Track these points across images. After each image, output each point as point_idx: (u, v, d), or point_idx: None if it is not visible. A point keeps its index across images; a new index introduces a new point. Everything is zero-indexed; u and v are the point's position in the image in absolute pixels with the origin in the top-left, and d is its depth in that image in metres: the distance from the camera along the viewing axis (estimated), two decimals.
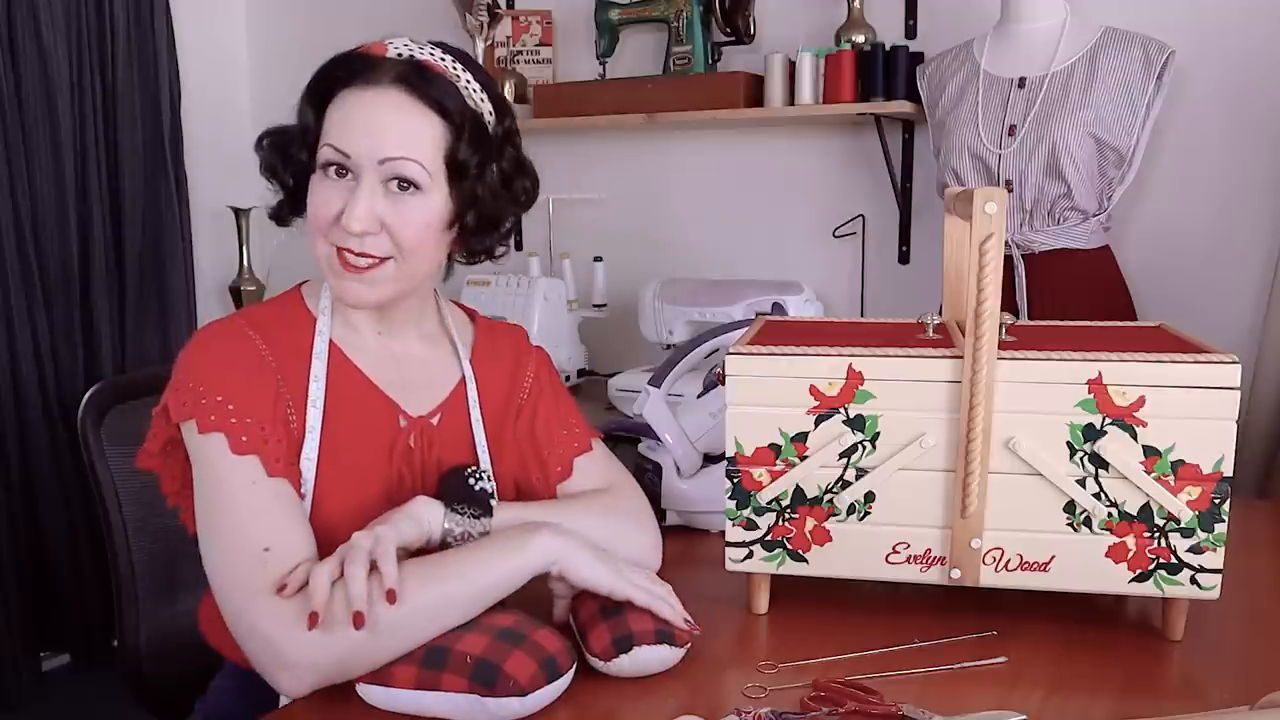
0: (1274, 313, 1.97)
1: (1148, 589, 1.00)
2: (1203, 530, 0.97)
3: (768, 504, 1.05)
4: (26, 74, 2.48)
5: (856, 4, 2.30)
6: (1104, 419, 0.97)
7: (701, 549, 1.32)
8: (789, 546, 1.06)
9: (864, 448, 1.02)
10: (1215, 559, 0.98)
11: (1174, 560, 0.99)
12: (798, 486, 1.04)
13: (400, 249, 0.99)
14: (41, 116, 2.52)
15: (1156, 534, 0.98)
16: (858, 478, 1.03)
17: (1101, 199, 1.94)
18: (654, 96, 2.42)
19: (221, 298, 3.08)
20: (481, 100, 1.03)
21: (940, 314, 1.20)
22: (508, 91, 2.50)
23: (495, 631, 0.89)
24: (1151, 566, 0.99)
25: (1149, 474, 0.97)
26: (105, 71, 2.66)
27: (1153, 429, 0.97)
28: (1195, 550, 0.98)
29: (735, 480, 1.06)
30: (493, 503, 1.00)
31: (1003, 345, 0.99)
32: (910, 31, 2.34)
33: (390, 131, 0.97)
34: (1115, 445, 0.97)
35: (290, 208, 1.07)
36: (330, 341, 1.05)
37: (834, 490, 1.04)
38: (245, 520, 0.93)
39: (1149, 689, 0.94)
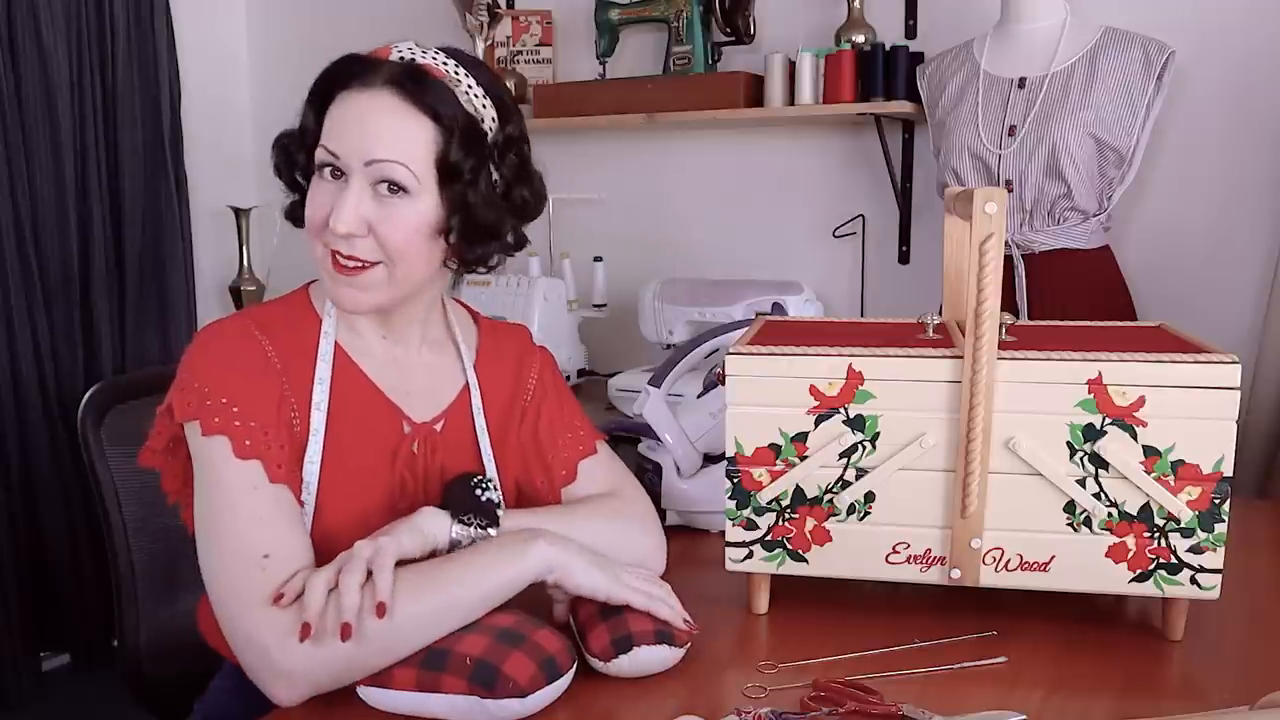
0: (1274, 313, 1.97)
1: (1148, 589, 1.00)
2: (1203, 530, 0.97)
3: (768, 504, 1.05)
4: (26, 74, 2.48)
5: (856, 4, 2.30)
6: (1104, 419, 0.97)
7: (701, 549, 1.32)
8: (789, 546, 1.06)
9: (864, 448, 1.02)
10: (1215, 559, 0.98)
11: (1174, 560, 0.99)
12: (798, 486, 1.04)
13: (388, 253, 0.98)
14: (41, 116, 2.52)
15: (1156, 534, 0.98)
16: (858, 478, 1.03)
17: (1101, 199, 1.94)
18: (654, 96, 2.42)
19: (221, 298, 3.08)
20: (483, 105, 1.02)
21: (940, 314, 1.20)
22: None
23: (495, 633, 0.89)
24: (1151, 566, 0.99)
25: (1149, 474, 0.97)
26: (105, 71, 2.66)
27: (1153, 429, 0.97)
28: (1195, 550, 0.98)
29: (735, 480, 1.06)
30: (500, 513, 1.00)
31: (1003, 345, 0.99)
32: (910, 31, 2.34)
33: (380, 134, 0.96)
34: (1115, 445, 0.97)
35: (303, 208, 1.06)
36: (335, 344, 1.05)
37: (834, 490, 1.04)
38: (245, 526, 0.92)
39: (1149, 689, 0.94)
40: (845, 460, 1.03)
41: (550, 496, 1.14)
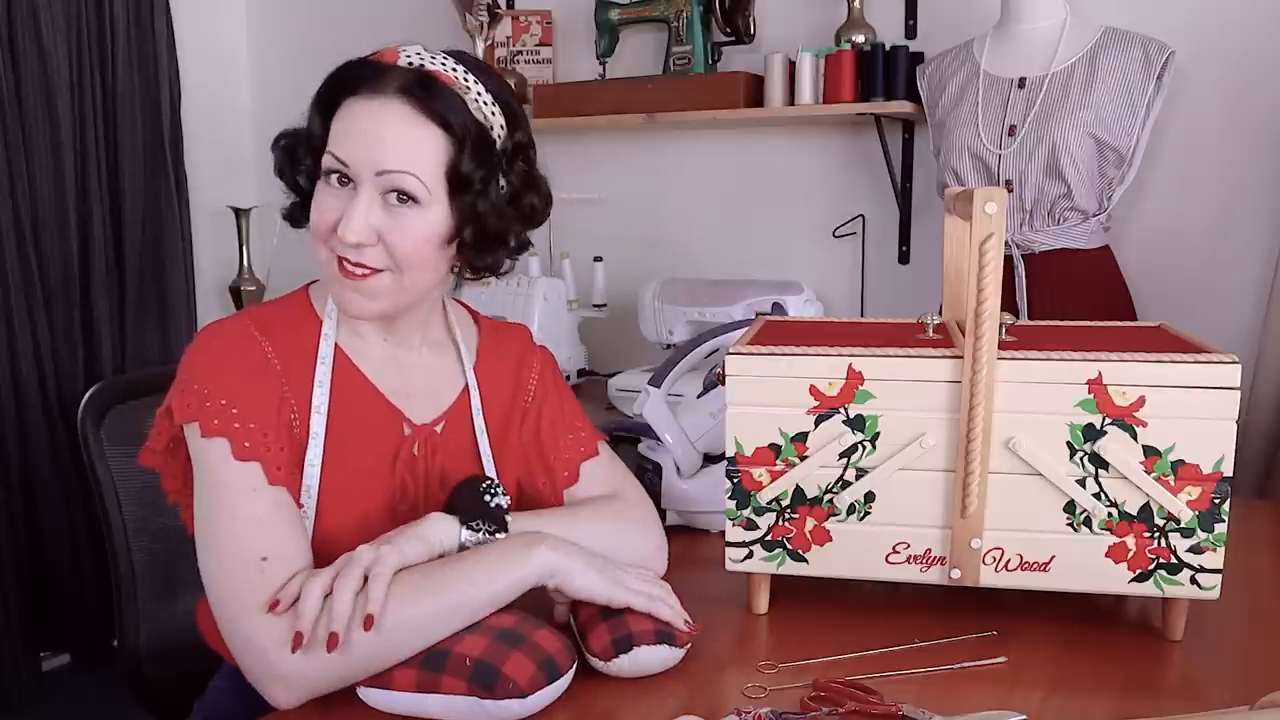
0: (1274, 313, 1.97)
1: (1148, 589, 1.00)
2: (1203, 530, 0.97)
3: (768, 504, 1.05)
4: (26, 74, 2.48)
5: (856, 4, 2.30)
6: (1104, 419, 0.97)
7: (701, 549, 1.32)
8: (789, 546, 1.06)
9: (864, 448, 1.02)
10: (1215, 559, 0.98)
11: (1174, 560, 0.99)
12: (798, 486, 1.04)
13: (397, 262, 0.98)
14: (41, 116, 2.52)
15: (1156, 534, 0.98)
16: (858, 478, 1.03)
17: (1101, 199, 1.94)
18: (654, 96, 2.42)
19: (221, 298, 3.08)
20: (492, 113, 1.01)
21: (940, 314, 1.20)
22: None
23: (494, 633, 0.89)
24: (1151, 566, 0.99)
25: (1149, 474, 0.97)
26: (105, 71, 2.66)
27: (1153, 429, 0.97)
28: (1195, 550, 0.98)
29: (735, 480, 1.06)
30: (508, 518, 1.00)
31: (1003, 345, 0.99)
32: (910, 31, 2.34)
33: (390, 144, 0.96)
34: (1115, 445, 0.97)
35: (302, 210, 1.05)
36: (336, 346, 1.05)
37: (834, 490, 1.04)
38: (244, 528, 0.92)
39: (1149, 689, 0.94)
40: (845, 460, 1.03)
41: (552, 498, 1.14)
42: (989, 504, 1.01)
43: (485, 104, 1.00)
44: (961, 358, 0.98)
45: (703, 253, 2.65)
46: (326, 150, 0.98)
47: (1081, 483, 0.99)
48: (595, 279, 2.55)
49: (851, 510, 1.04)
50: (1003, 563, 1.02)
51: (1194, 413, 0.96)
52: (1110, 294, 1.97)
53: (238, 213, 2.95)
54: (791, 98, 2.33)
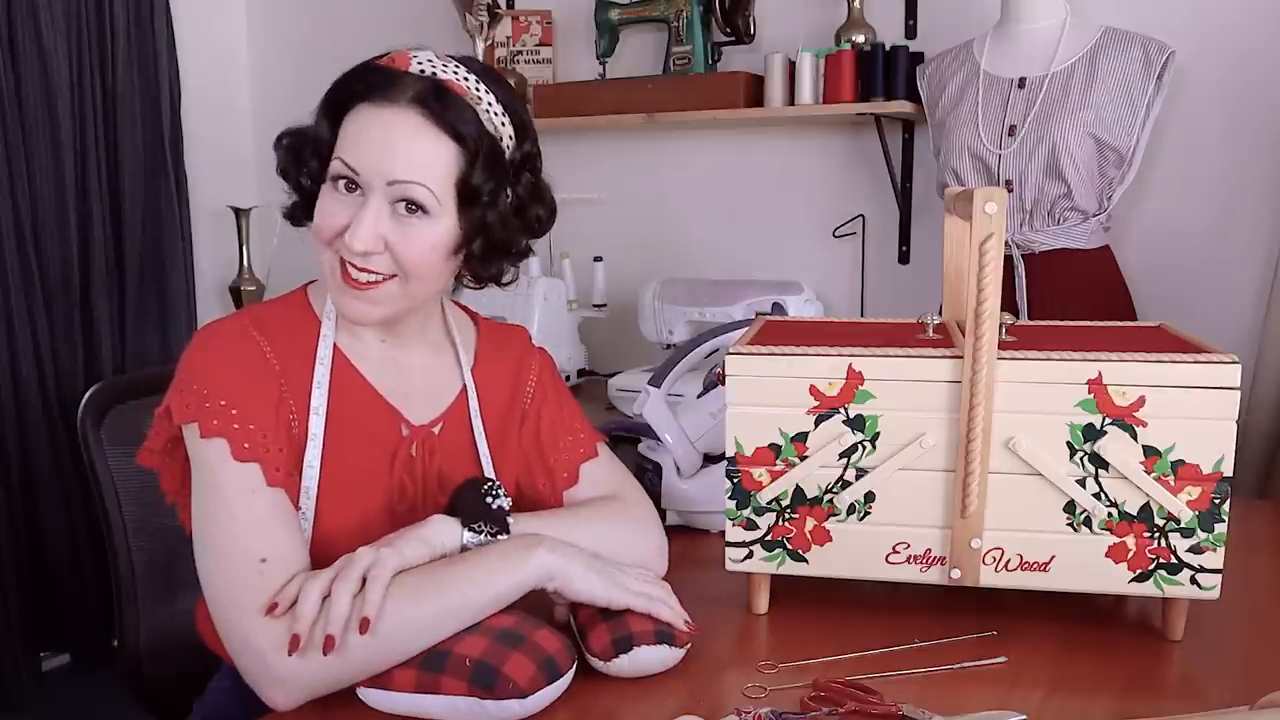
0: (1274, 313, 1.97)
1: (1148, 589, 1.00)
2: (1203, 530, 0.97)
3: (768, 504, 1.05)
4: (26, 74, 2.48)
5: (856, 4, 2.30)
6: (1104, 419, 0.97)
7: (701, 549, 1.32)
8: (789, 546, 1.06)
9: (864, 448, 1.02)
10: (1215, 559, 0.98)
11: (1174, 560, 0.99)
12: (798, 486, 1.04)
13: (403, 269, 0.98)
14: (41, 116, 2.52)
15: (1156, 534, 0.98)
16: (858, 478, 1.03)
17: (1101, 199, 1.94)
18: (654, 96, 2.42)
19: (221, 298, 3.08)
20: (503, 124, 1.01)
21: (940, 314, 1.20)
22: None
23: (494, 633, 0.89)
24: (1151, 566, 0.99)
25: (1149, 474, 0.97)
26: (105, 71, 2.66)
27: (1153, 429, 0.97)
28: (1195, 550, 0.98)
29: (735, 480, 1.06)
30: (510, 520, 0.99)
31: (1003, 345, 0.99)
32: (910, 31, 2.34)
33: (402, 154, 0.95)
34: (1115, 445, 0.97)
35: (304, 210, 1.05)
36: (334, 346, 1.05)
37: (834, 490, 1.04)
38: (242, 530, 0.92)
39: (1149, 689, 0.94)
40: (845, 460, 1.03)
41: (552, 499, 1.14)
42: (989, 504, 1.01)
43: (496, 114, 1.00)
44: (961, 358, 0.98)
45: (703, 253, 2.65)
46: (335, 155, 0.98)
47: (1081, 483, 0.99)
48: (595, 279, 2.55)
49: (851, 510, 1.04)
50: (1003, 563, 1.02)
51: (1194, 413, 0.96)
52: (1110, 294, 1.97)
53: (238, 213, 2.95)
54: (791, 98, 2.32)
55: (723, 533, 1.08)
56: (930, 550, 1.03)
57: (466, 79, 0.99)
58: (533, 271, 2.49)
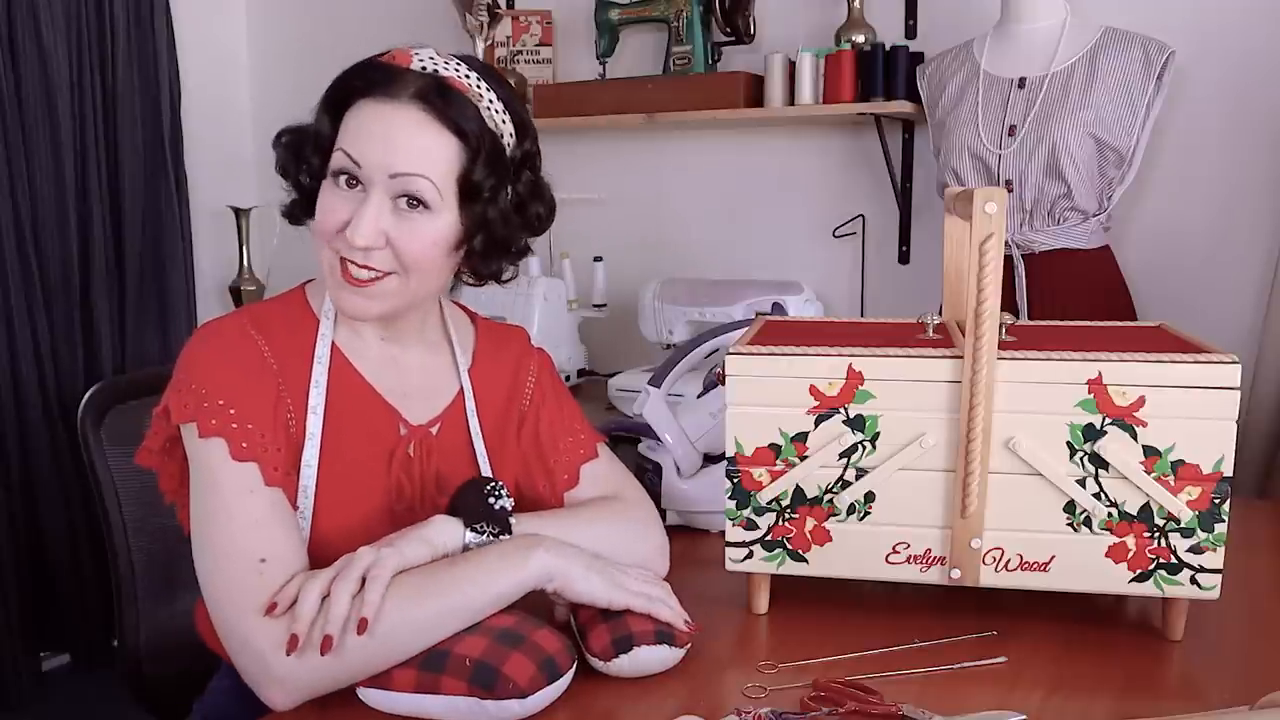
0: (1274, 313, 1.97)
1: (1148, 589, 1.00)
2: (1203, 530, 0.97)
3: (768, 504, 1.05)
4: (26, 74, 2.48)
5: (856, 4, 2.30)
6: (1104, 419, 0.97)
7: (701, 549, 1.32)
8: (789, 546, 1.06)
9: (864, 448, 1.02)
10: (1215, 559, 0.98)
11: (1174, 560, 0.99)
12: (798, 486, 1.04)
13: (404, 266, 0.98)
14: (41, 116, 2.52)
15: (1156, 534, 0.98)
16: (858, 478, 1.03)
17: (1101, 199, 1.94)
18: (654, 96, 2.42)
19: (221, 298, 3.08)
20: (503, 121, 1.01)
21: (940, 314, 1.20)
22: None
23: (494, 633, 0.89)
24: (1151, 566, 0.99)
25: (1149, 474, 0.97)
26: (105, 71, 2.66)
27: (1153, 429, 0.97)
28: (1195, 550, 0.98)
29: (735, 480, 1.06)
30: (512, 520, 0.99)
31: (1003, 345, 0.99)
32: (910, 31, 2.34)
33: (405, 147, 0.95)
34: (1115, 445, 0.97)
35: (303, 208, 1.05)
36: (332, 345, 1.05)
37: (834, 490, 1.04)
38: (240, 530, 0.92)
39: (1149, 689, 0.94)
40: (845, 460, 1.03)
41: (552, 500, 1.14)
42: (989, 504, 1.01)
43: (497, 112, 1.00)
44: (961, 358, 0.98)
45: (703, 253, 2.65)
46: (337, 147, 0.98)
47: (1081, 483, 0.99)
48: (595, 279, 2.55)
49: (851, 510, 1.04)
50: (1003, 563, 1.02)
51: (1194, 413, 0.96)
52: (1110, 294, 1.97)
53: (238, 213, 2.95)
54: (791, 98, 2.32)
55: (723, 533, 1.08)
56: (930, 550, 1.03)
57: (468, 76, 1.00)
58: (533, 271, 2.49)
